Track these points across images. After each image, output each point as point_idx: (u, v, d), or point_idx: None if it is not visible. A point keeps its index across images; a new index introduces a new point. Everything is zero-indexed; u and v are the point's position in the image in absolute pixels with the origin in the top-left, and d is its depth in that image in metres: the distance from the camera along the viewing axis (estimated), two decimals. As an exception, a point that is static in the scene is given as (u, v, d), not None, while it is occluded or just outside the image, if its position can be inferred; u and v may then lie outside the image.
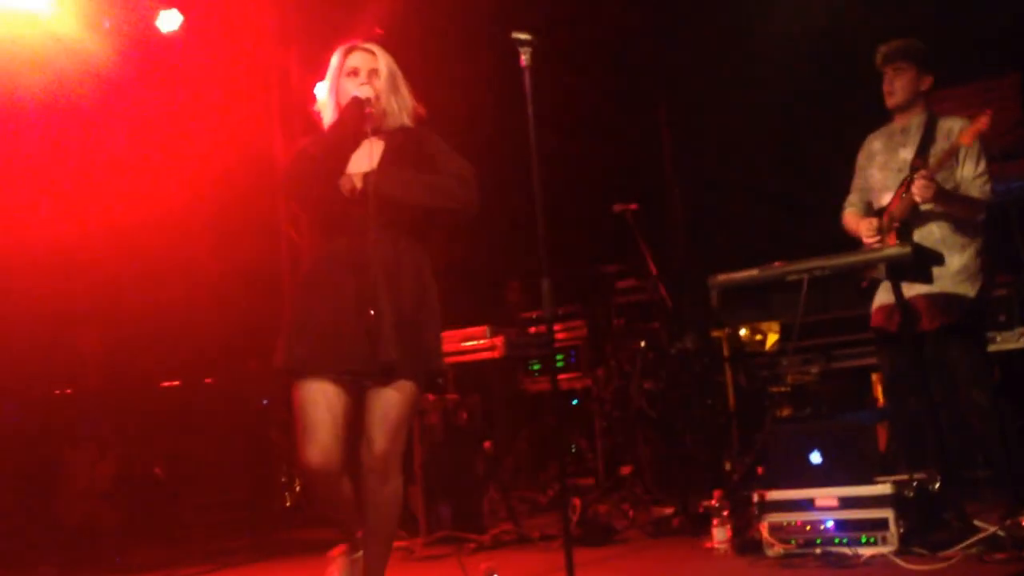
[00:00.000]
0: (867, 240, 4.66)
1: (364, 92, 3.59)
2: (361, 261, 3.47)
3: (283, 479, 8.32)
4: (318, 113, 3.77)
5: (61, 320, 7.83)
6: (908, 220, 4.57)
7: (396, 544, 5.93)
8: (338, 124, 3.63)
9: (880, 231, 4.64)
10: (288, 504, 8.24)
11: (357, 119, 3.60)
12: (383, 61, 3.72)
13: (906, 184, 4.57)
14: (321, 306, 3.49)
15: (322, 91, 3.74)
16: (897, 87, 4.68)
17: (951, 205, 4.51)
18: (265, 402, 8.22)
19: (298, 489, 8.38)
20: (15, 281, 7.16)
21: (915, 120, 4.70)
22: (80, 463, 7.25)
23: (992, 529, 3.94)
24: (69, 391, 7.60)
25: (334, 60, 3.71)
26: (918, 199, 4.46)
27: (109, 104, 7.56)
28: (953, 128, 4.59)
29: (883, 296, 4.65)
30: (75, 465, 7.24)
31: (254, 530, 7.16)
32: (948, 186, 4.52)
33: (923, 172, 4.44)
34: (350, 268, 3.48)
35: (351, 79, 3.65)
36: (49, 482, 7.10)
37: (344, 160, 3.61)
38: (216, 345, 8.32)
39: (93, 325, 8.01)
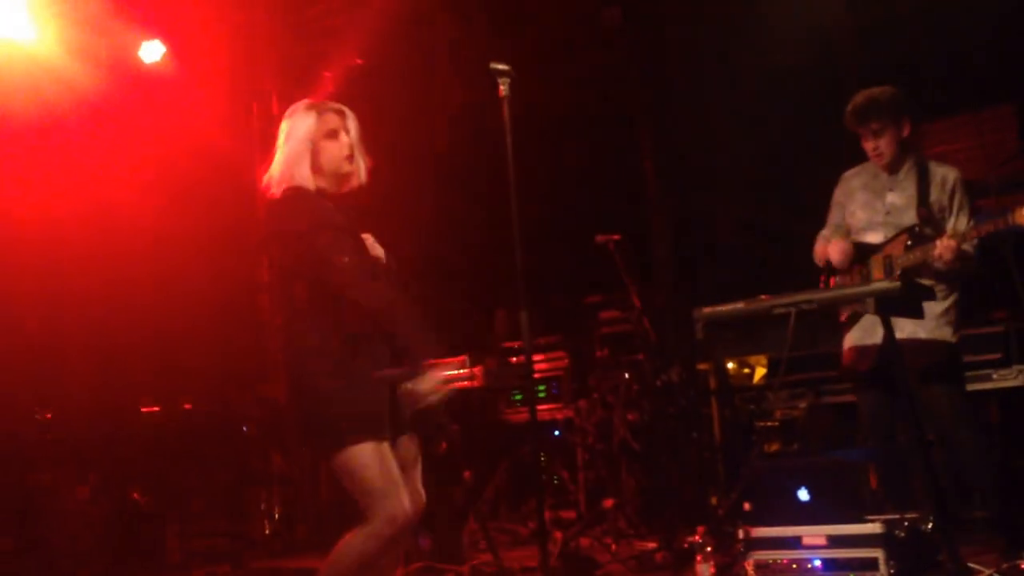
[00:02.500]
0: (836, 262, 4.52)
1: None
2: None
3: (263, 506, 8.15)
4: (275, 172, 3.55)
5: (44, 345, 7.72)
6: (913, 270, 4.41)
7: (373, 576, 5.77)
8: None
9: (858, 259, 4.47)
10: (267, 532, 8.07)
11: None
12: (352, 121, 3.61)
13: (914, 234, 4.42)
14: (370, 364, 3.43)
15: (295, 148, 3.53)
16: (883, 148, 4.52)
17: (956, 263, 4.35)
18: (245, 428, 8.05)
19: (277, 516, 8.21)
20: (-1, 305, 7.04)
21: (903, 166, 4.55)
22: (60, 486, 7.16)
23: (988, 572, 3.77)
24: (50, 415, 7.47)
25: (307, 121, 3.53)
26: (940, 260, 4.30)
27: (94, 131, 7.47)
28: (948, 177, 4.48)
29: (856, 335, 4.51)
30: (55, 488, 7.14)
31: (233, 557, 6.96)
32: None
33: (952, 234, 4.29)
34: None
35: (332, 141, 3.53)
36: (29, 505, 6.95)
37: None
38: (198, 371, 8.21)
39: (76, 350, 7.90)
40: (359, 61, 7.85)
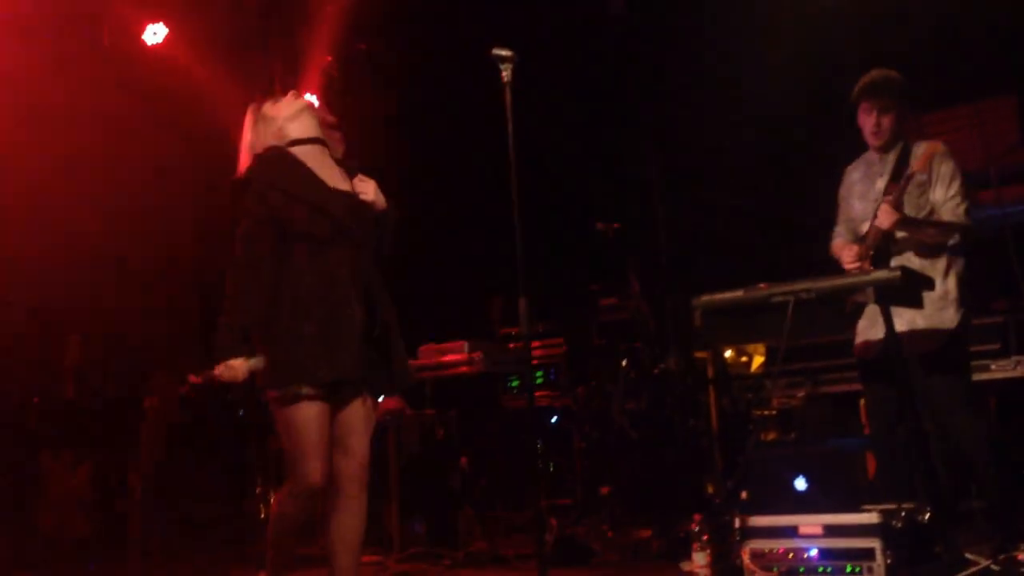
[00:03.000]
0: (847, 265, 4.46)
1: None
2: (355, 279, 3.56)
3: (259, 491, 8.14)
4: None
5: (41, 329, 7.70)
6: (881, 248, 4.37)
7: (369, 559, 5.76)
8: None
9: (860, 258, 4.43)
10: (263, 516, 8.04)
11: None
12: (315, 110, 3.84)
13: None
14: (326, 318, 3.48)
15: (261, 131, 3.72)
16: (883, 127, 4.47)
17: (921, 231, 4.33)
18: (242, 413, 8.02)
19: (272, 501, 8.18)
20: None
21: (893, 150, 4.52)
22: (56, 471, 7.16)
23: (985, 563, 3.73)
24: (47, 399, 7.44)
25: (270, 109, 3.74)
26: (880, 226, 4.30)
27: (92, 113, 7.41)
28: (926, 152, 4.39)
29: (863, 325, 4.47)
30: (51, 473, 7.14)
31: (229, 541, 6.92)
32: (923, 212, 4.37)
33: (886, 199, 4.29)
34: (349, 282, 3.54)
35: (294, 122, 3.71)
36: (26, 489, 6.97)
37: None
38: (195, 357, 8.18)
39: (73, 335, 7.87)
40: (361, 46, 7.80)
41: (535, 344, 6.87)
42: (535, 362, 6.59)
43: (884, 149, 4.52)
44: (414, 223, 8.27)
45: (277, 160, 3.62)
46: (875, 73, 4.53)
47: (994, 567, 3.73)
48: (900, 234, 4.35)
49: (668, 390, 5.96)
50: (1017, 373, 4.91)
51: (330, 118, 3.97)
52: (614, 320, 6.58)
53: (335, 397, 3.52)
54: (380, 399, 6.12)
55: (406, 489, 5.96)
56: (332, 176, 3.66)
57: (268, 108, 3.76)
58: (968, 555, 3.84)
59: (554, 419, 6.95)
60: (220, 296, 3.55)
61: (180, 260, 8.19)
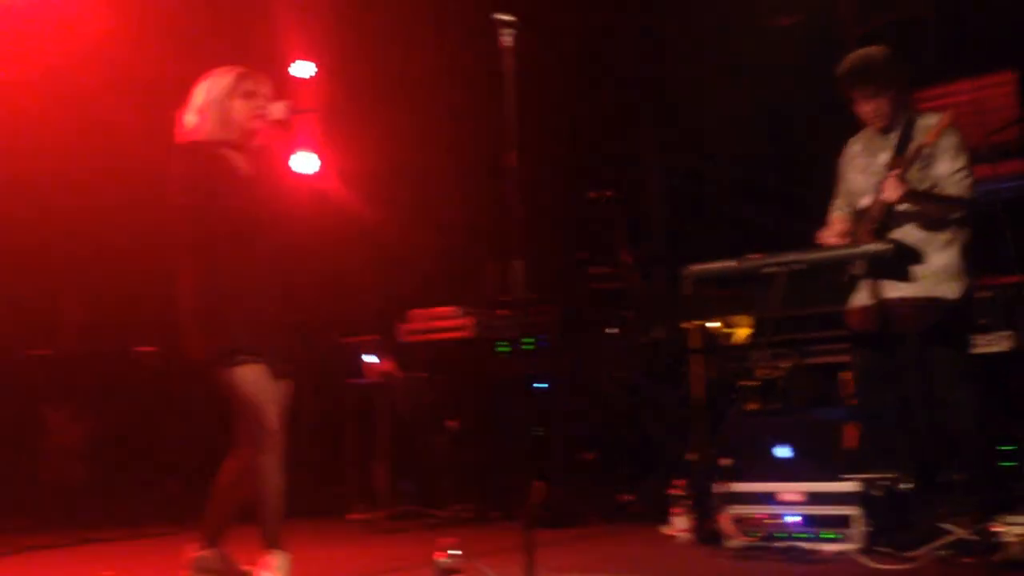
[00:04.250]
0: (832, 240, 4.40)
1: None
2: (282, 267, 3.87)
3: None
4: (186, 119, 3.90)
5: (42, 283, 7.65)
6: (885, 221, 4.30)
7: (358, 517, 5.77)
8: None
9: (852, 233, 4.38)
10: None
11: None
12: (268, 88, 3.93)
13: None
14: (267, 297, 3.79)
15: (208, 102, 3.86)
16: (884, 108, 4.34)
17: (925, 204, 4.24)
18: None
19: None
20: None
21: (896, 124, 4.41)
22: (55, 422, 7.20)
23: (962, 532, 3.73)
24: (48, 352, 7.43)
25: (224, 80, 3.87)
26: (886, 198, 4.22)
27: (95, 72, 7.32)
28: (932, 124, 4.29)
29: (861, 296, 4.41)
30: (51, 424, 7.18)
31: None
32: (925, 184, 4.26)
33: (893, 172, 4.19)
34: (276, 272, 3.84)
35: (244, 100, 3.86)
36: (26, 439, 7.00)
37: None
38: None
39: (74, 288, 7.83)
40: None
41: (526, 311, 6.83)
42: (526, 328, 6.55)
43: (888, 130, 4.40)
44: (412, 189, 8.27)
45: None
46: (852, 60, 4.38)
47: (971, 537, 3.72)
48: (903, 207, 4.25)
49: (655, 359, 5.94)
50: (1002, 348, 4.88)
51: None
52: (605, 288, 6.54)
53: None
54: (371, 361, 6.14)
55: (396, 449, 5.95)
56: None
57: (251, 84, 3.88)
58: (945, 525, 3.84)
59: (542, 385, 6.92)
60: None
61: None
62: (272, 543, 3.77)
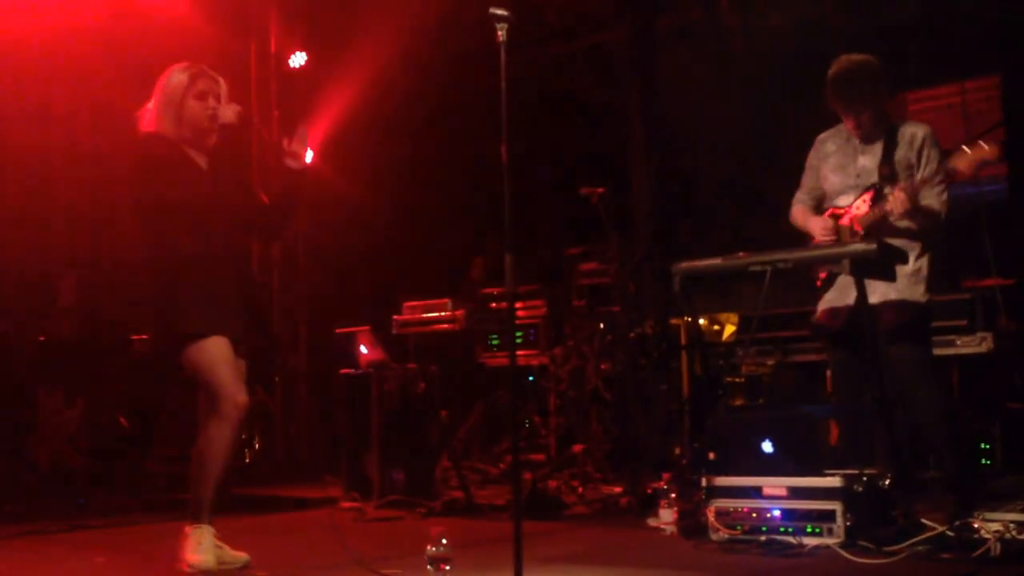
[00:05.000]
0: (821, 239, 4.44)
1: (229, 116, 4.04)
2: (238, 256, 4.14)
3: (244, 436, 8.14)
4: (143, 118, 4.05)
5: (38, 269, 7.62)
6: (875, 228, 4.33)
7: (349, 505, 5.79)
8: None
9: (836, 232, 4.41)
10: (247, 461, 8.06)
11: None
12: (223, 89, 4.08)
13: (873, 192, 4.35)
14: (222, 282, 3.98)
15: (163, 100, 4.00)
16: (865, 123, 4.38)
17: (916, 219, 4.31)
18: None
19: (257, 447, 8.19)
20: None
21: (876, 135, 4.44)
22: (49, 408, 7.18)
23: (941, 528, 3.77)
24: (43, 337, 7.42)
25: (180, 78, 4.00)
26: (893, 211, 4.24)
27: (92, 59, 7.29)
28: (916, 134, 4.36)
29: (831, 296, 4.46)
30: (45, 410, 7.16)
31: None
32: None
33: (903, 186, 4.23)
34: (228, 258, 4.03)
35: (199, 101, 4.00)
36: (21, 425, 7.00)
37: None
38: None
39: (69, 275, 7.82)
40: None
41: (516, 304, 6.86)
42: (516, 321, 6.58)
43: (869, 140, 4.44)
44: (402, 184, 8.28)
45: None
46: (837, 72, 4.39)
47: (949, 533, 3.77)
48: (901, 221, 4.30)
49: (643, 354, 5.97)
50: (980, 349, 4.94)
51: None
52: (594, 284, 6.57)
53: None
54: (364, 351, 6.16)
55: (386, 439, 5.96)
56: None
57: (205, 84, 4.02)
58: (925, 521, 3.88)
59: (532, 378, 6.96)
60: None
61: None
62: (197, 516, 3.87)
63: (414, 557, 3.65)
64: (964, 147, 4.15)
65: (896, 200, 4.22)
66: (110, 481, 6.89)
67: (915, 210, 4.26)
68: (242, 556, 3.98)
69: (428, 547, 3.45)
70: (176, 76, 4.01)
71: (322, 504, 6.01)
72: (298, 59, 8.49)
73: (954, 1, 6.19)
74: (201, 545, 3.86)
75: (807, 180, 4.66)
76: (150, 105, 4.03)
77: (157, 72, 4.08)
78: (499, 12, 3.61)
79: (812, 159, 4.64)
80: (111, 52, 7.34)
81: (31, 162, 7.32)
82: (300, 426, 8.57)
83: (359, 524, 5.42)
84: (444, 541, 3.46)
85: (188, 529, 3.88)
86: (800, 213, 4.64)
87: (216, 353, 3.88)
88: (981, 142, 4.11)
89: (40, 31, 7.02)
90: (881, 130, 4.42)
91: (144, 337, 7.66)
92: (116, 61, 7.35)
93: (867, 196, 4.39)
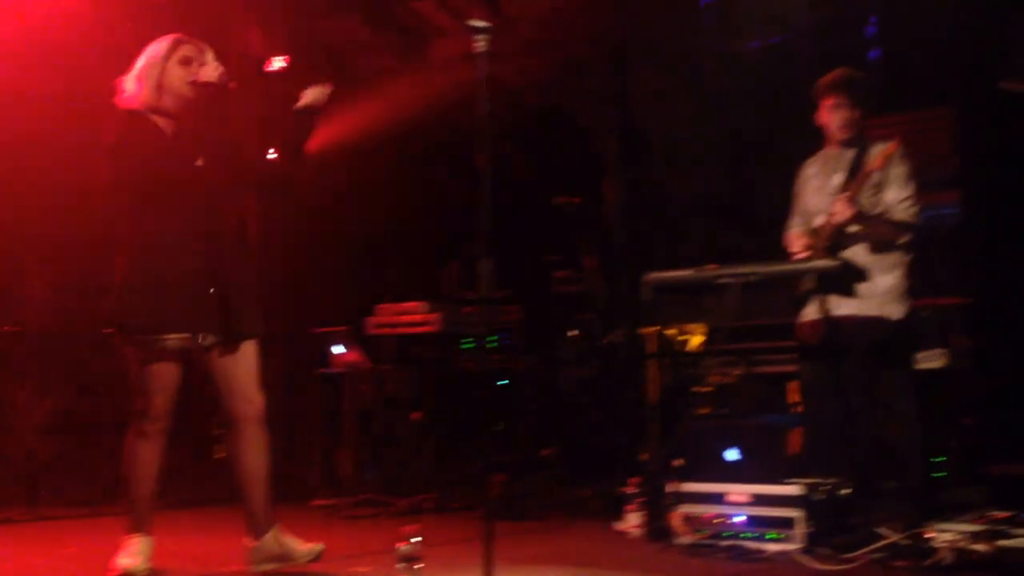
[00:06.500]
0: (796, 254, 4.54)
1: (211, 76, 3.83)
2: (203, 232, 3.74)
3: (217, 432, 8.12)
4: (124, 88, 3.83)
5: (8, 262, 7.54)
6: (836, 241, 4.43)
7: (321, 503, 5.80)
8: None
9: (811, 248, 4.51)
10: (219, 456, 8.03)
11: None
12: (211, 56, 3.89)
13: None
14: (174, 271, 3.67)
15: (144, 68, 3.82)
16: (841, 122, 4.50)
17: (874, 227, 4.39)
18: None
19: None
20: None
21: (850, 148, 4.55)
22: (22, 400, 7.06)
23: (896, 537, 3.86)
24: (15, 328, 7.30)
25: (162, 46, 3.82)
26: (835, 220, 4.36)
27: (66, 49, 7.22)
28: (882, 151, 4.46)
29: (811, 309, 4.54)
30: (17, 401, 7.04)
31: (186, 477, 6.91)
32: (876, 210, 4.42)
33: (843, 194, 4.33)
34: (196, 238, 3.72)
35: (182, 67, 3.81)
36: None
37: None
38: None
39: (41, 265, 7.74)
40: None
41: (492, 309, 6.89)
42: (491, 326, 6.62)
43: (849, 144, 4.52)
44: (379, 188, 8.30)
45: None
46: (844, 70, 4.56)
47: (904, 542, 3.85)
48: (853, 228, 4.39)
49: (614, 361, 6.03)
50: (938, 365, 5.05)
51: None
52: (568, 291, 6.63)
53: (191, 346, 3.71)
54: (340, 351, 6.18)
55: (361, 438, 6.00)
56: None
57: (189, 50, 3.83)
58: (881, 530, 3.96)
59: (505, 381, 7.00)
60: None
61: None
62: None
63: (385, 555, 3.68)
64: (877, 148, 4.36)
65: (838, 206, 4.32)
66: (83, 473, 6.84)
67: (869, 218, 4.35)
68: (316, 547, 3.85)
69: (399, 545, 3.48)
70: (159, 43, 3.84)
71: (294, 500, 6.03)
72: (278, 63, 8.47)
73: (910, 31, 6.34)
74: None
75: (796, 206, 4.75)
76: (128, 78, 3.83)
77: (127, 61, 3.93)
78: (478, 24, 3.65)
79: (796, 186, 4.74)
80: (85, 45, 7.27)
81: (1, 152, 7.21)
82: (273, 424, 8.55)
83: (332, 522, 5.44)
84: (415, 540, 3.50)
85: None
86: (791, 236, 4.71)
87: (146, 359, 3.69)
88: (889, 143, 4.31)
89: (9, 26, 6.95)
90: (854, 148, 4.52)
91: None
92: (91, 53, 7.29)
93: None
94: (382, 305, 6.79)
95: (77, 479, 6.66)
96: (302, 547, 3.81)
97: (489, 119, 3.59)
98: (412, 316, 6.67)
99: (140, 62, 3.82)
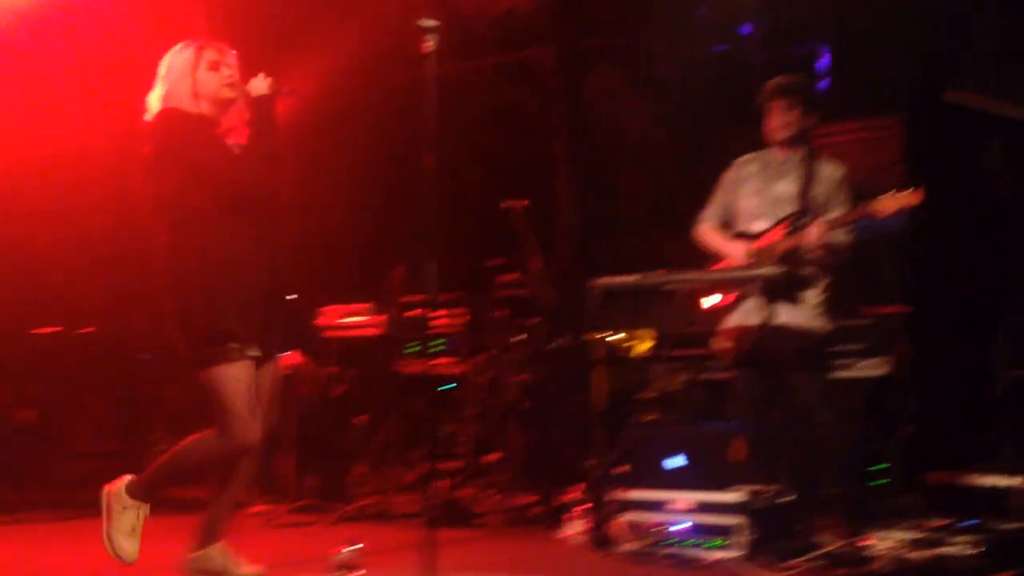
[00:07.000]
0: (737, 262, 4.55)
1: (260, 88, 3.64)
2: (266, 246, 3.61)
3: (156, 435, 7.99)
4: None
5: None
6: (790, 256, 4.45)
7: (260, 509, 5.72)
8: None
9: (752, 256, 4.53)
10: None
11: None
12: (232, 58, 3.73)
13: (790, 220, 4.46)
14: (251, 285, 3.54)
15: (172, 83, 3.64)
16: (786, 123, 4.54)
17: (828, 251, 4.45)
18: (147, 357, 7.85)
19: (168, 446, 8.03)
20: None
21: (795, 156, 4.57)
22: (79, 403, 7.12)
23: (836, 545, 3.89)
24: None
25: (186, 55, 3.65)
26: (809, 241, 4.38)
27: (18, 51, 7.10)
28: (834, 175, 4.51)
29: (739, 316, 4.56)
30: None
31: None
32: None
33: (821, 222, 4.36)
34: (259, 250, 3.59)
35: (212, 72, 3.64)
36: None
37: None
38: (103, 296, 7.97)
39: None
40: None
41: (437, 312, 6.86)
42: (436, 330, 6.59)
43: (788, 144, 4.55)
44: (325, 188, 8.22)
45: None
46: (786, 76, 4.62)
47: (844, 550, 3.89)
48: (790, 242, 4.43)
49: (560, 366, 6.02)
50: (878, 372, 5.12)
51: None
52: (514, 295, 6.60)
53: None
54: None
55: (302, 442, 5.92)
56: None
57: (214, 54, 3.66)
58: (822, 537, 4.00)
59: (449, 386, 6.95)
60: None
61: (92, 201, 7.94)
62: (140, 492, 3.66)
63: (324, 563, 3.63)
64: (893, 191, 4.26)
65: (814, 233, 4.36)
66: (16, 477, 6.68)
67: (832, 246, 4.41)
68: (258, 570, 3.71)
69: (337, 552, 3.44)
70: (181, 52, 3.65)
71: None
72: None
73: (861, 38, 6.43)
74: (220, 556, 3.66)
75: (719, 198, 4.72)
76: (156, 92, 3.63)
77: (77, 61, 3.79)
78: (428, 23, 3.63)
79: (728, 179, 4.72)
80: (42, 48, 7.15)
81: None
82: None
83: (269, 528, 5.36)
84: (354, 547, 3.46)
85: (192, 551, 3.66)
86: (710, 233, 4.70)
87: (238, 382, 3.48)
88: (910, 191, 4.22)
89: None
90: (800, 153, 4.55)
91: (55, 330, 7.51)
92: (46, 57, 7.17)
93: (783, 225, 4.51)
94: (326, 307, 6.72)
95: (6, 484, 6.50)
96: (244, 568, 3.70)
97: (437, 119, 3.57)
98: (359, 318, 6.61)
99: (164, 73, 3.64)
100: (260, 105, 3.63)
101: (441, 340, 6.58)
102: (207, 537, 3.69)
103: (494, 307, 6.52)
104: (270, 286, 3.60)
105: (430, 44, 3.64)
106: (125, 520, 3.63)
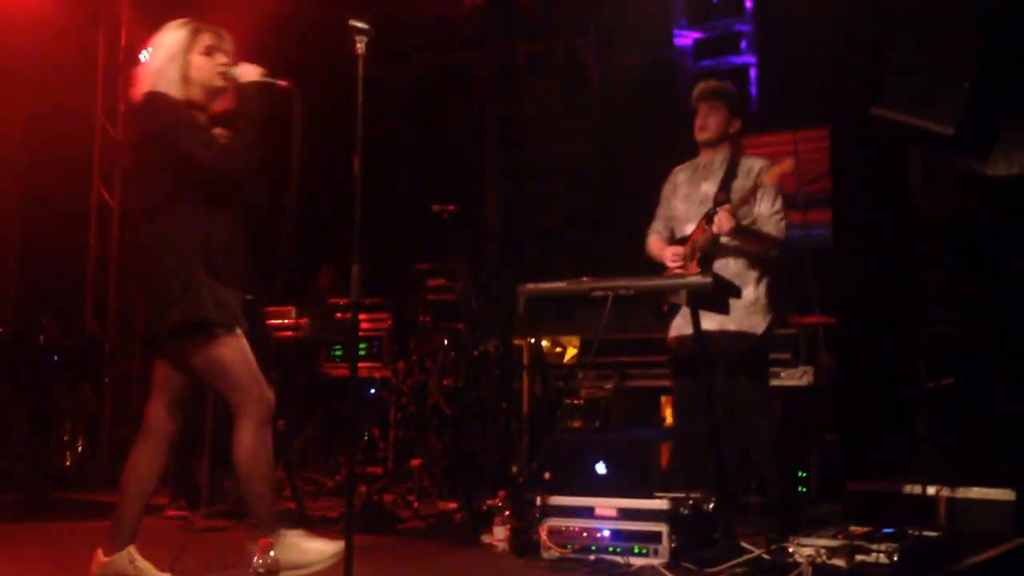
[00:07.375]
0: (671, 266, 4.60)
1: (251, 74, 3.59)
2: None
3: (66, 438, 7.77)
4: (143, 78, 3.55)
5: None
6: (709, 251, 4.52)
7: (175, 513, 5.58)
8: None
9: (684, 259, 4.58)
10: (68, 464, 7.70)
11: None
12: (229, 44, 3.66)
13: (708, 216, 4.53)
14: (231, 267, 3.55)
15: (163, 62, 3.53)
16: (710, 123, 4.66)
17: (748, 240, 4.52)
18: (56, 358, 7.63)
19: (80, 449, 7.84)
20: None
21: (719, 157, 4.68)
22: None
23: (759, 552, 3.91)
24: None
25: (179, 35, 3.54)
26: (717, 231, 4.45)
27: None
28: (754, 167, 4.60)
29: (679, 323, 4.60)
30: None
31: (30, 486, 6.57)
32: (746, 222, 4.53)
33: (726, 206, 4.42)
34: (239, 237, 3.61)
35: (206, 57, 3.55)
36: None
37: None
38: (11, 295, 7.76)
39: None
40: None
41: (361, 316, 6.80)
42: (360, 334, 6.51)
43: (710, 145, 4.64)
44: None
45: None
46: (710, 81, 4.73)
47: (766, 556, 3.91)
48: (725, 240, 4.50)
49: (485, 372, 6.00)
50: (802, 382, 5.19)
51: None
52: (440, 300, 6.57)
53: None
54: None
55: (219, 445, 5.78)
56: None
57: (211, 39, 3.58)
58: (744, 544, 4.01)
59: (373, 390, 6.88)
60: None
61: (4, 199, 7.72)
62: (270, 525, 3.58)
63: (240, 569, 3.53)
64: (770, 163, 4.47)
65: (719, 219, 4.42)
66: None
67: (747, 231, 4.46)
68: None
69: (255, 559, 3.35)
70: (175, 31, 3.54)
71: (146, 512, 5.77)
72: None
73: (789, 52, 6.55)
74: (298, 547, 3.60)
75: (661, 210, 4.85)
76: (144, 71, 3.52)
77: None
78: (359, 25, 3.58)
79: (666, 190, 4.85)
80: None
81: None
82: (129, 430, 8.24)
83: (184, 534, 5.22)
84: (272, 553, 3.37)
85: (265, 541, 3.38)
86: (656, 243, 4.81)
87: (237, 352, 3.49)
88: (788, 161, 4.38)
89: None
90: (724, 154, 4.64)
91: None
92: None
93: (704, 222, 4.57)
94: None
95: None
96: (158, 574, 3.59)
97: (365, 121, 3.52)
98: (280, 321, 6.50)
99: (155, 53, 3.52)
100: (246, 92, 3.57)
101: (365, 344, 6.51)
102: (121, 538, 3.61)
103: (420, 311, 6.47)
104: (248, 270, 3.61)
105: (360, 46, 3.57)
106: (288, 547, 3.56)
